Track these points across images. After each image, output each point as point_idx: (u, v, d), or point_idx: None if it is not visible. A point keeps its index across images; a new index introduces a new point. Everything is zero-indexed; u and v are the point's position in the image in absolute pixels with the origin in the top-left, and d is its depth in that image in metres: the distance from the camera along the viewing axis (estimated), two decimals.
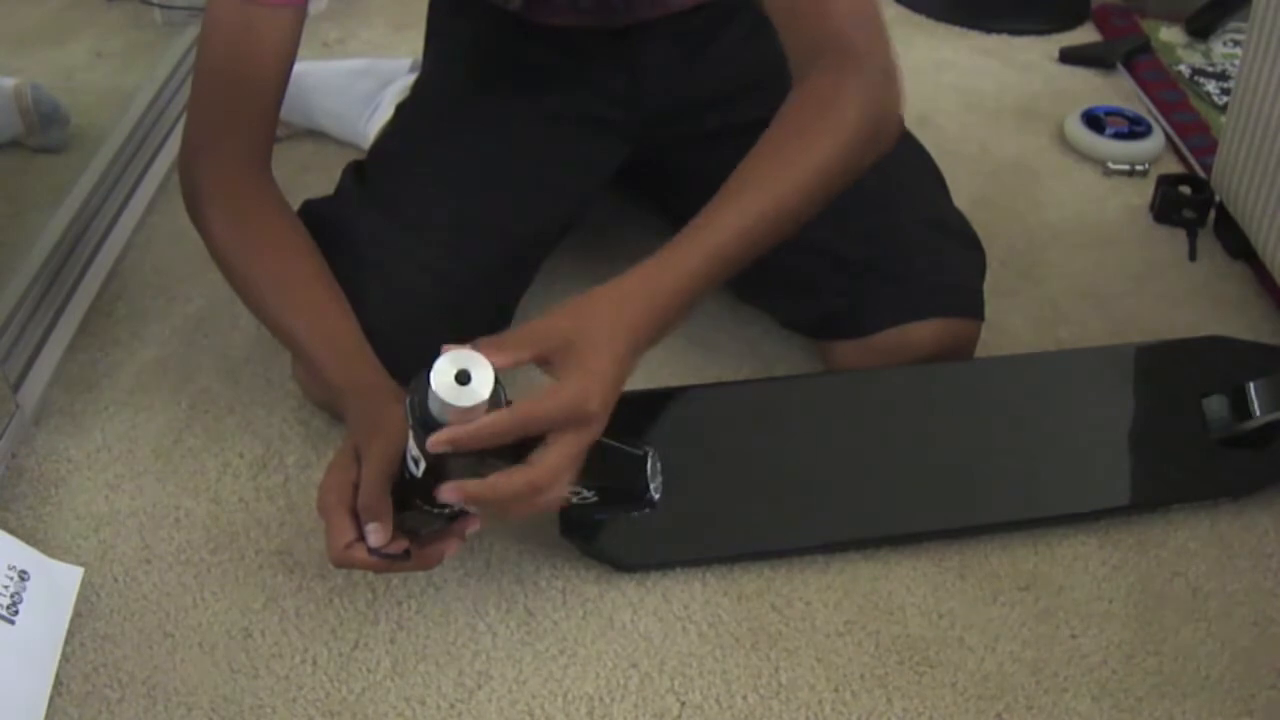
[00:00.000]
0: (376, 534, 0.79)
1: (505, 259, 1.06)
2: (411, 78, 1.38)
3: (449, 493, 0.75)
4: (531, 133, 1.11)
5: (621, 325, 0.80)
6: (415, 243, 1.01)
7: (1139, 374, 1.02)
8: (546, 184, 1.10)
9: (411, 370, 0.75)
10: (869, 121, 0.88)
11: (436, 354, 0.73)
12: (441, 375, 0.71)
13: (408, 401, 0.74)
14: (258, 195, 0.96)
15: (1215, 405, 0.99)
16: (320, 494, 0.82)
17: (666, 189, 1.20)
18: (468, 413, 0.72)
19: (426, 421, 0.73)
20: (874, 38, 0.90)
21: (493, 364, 0.73)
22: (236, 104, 0.95)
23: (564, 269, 1.16)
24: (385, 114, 1.37)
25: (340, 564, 0.81)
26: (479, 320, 1.06)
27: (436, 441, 0.72)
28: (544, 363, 0.78)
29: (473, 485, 0.75)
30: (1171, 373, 1.02)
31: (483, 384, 0.72)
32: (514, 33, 1.12)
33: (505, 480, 0.75)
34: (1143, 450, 0.99)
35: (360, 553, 0.80)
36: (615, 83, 1.13)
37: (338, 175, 1.11)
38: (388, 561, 0.81)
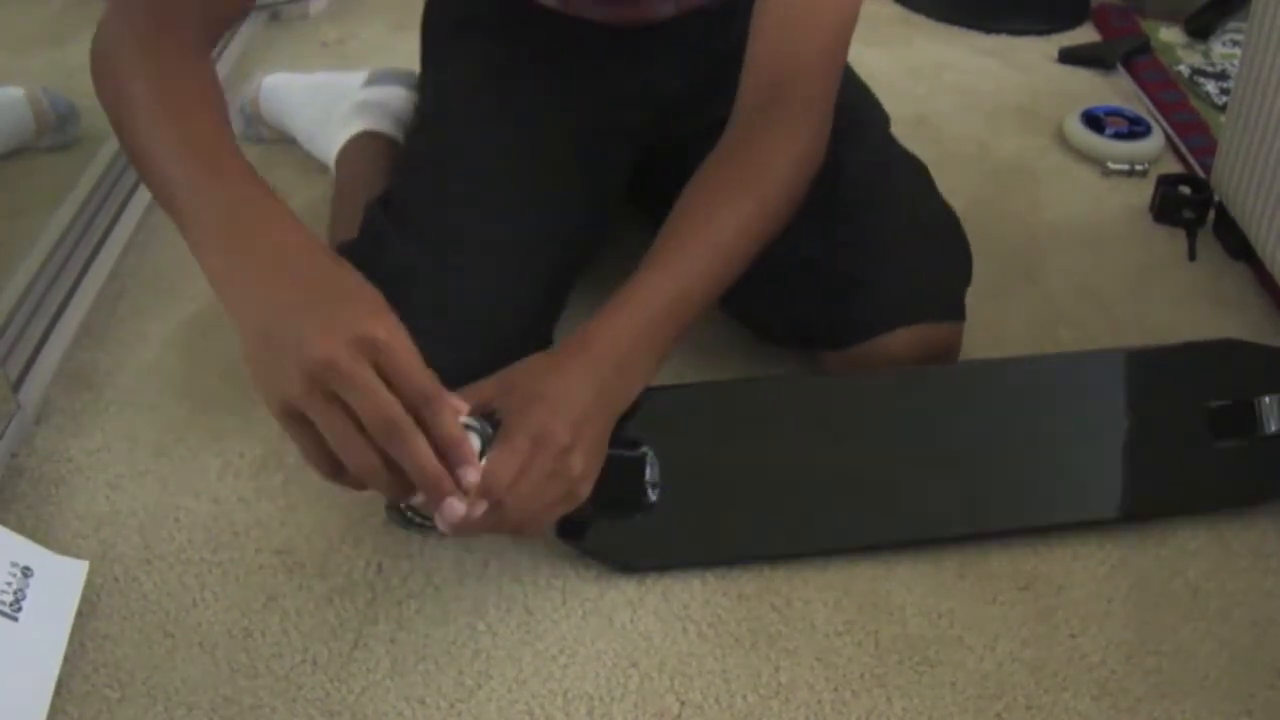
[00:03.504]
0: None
1: (546, 280, 1.03)
2: (365, 93, 1.36)
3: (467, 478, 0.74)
4: (553, 150, 1.09)
5: (579, 367, 0.83)
6: (461, 275, 0.98)
7: (1146, 378, 1.01)
8: (574, 200, 1.08)
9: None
10: (806, 173, 0.96)
11: None
12: None
13: None
14: (196, 66, 0.82)
15: (1223, 413, 0.99)
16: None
17: (674, 187, 1.20)
18: None
19: None
20: (828, 86, 0.96)
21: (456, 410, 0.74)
22: None
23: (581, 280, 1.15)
24: (337, 134, 1.33)
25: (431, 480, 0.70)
26: (528, 348, 1.05)
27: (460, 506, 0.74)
28: (505, 406, 0.80)
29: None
30: (1180, 377, 1.01)
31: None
32: (522, 52, 1.11)
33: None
34: (1147, 457, 0.98)
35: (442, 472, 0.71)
36: (629, 84, 1.12)
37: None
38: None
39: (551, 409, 0.79)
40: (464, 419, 0.75)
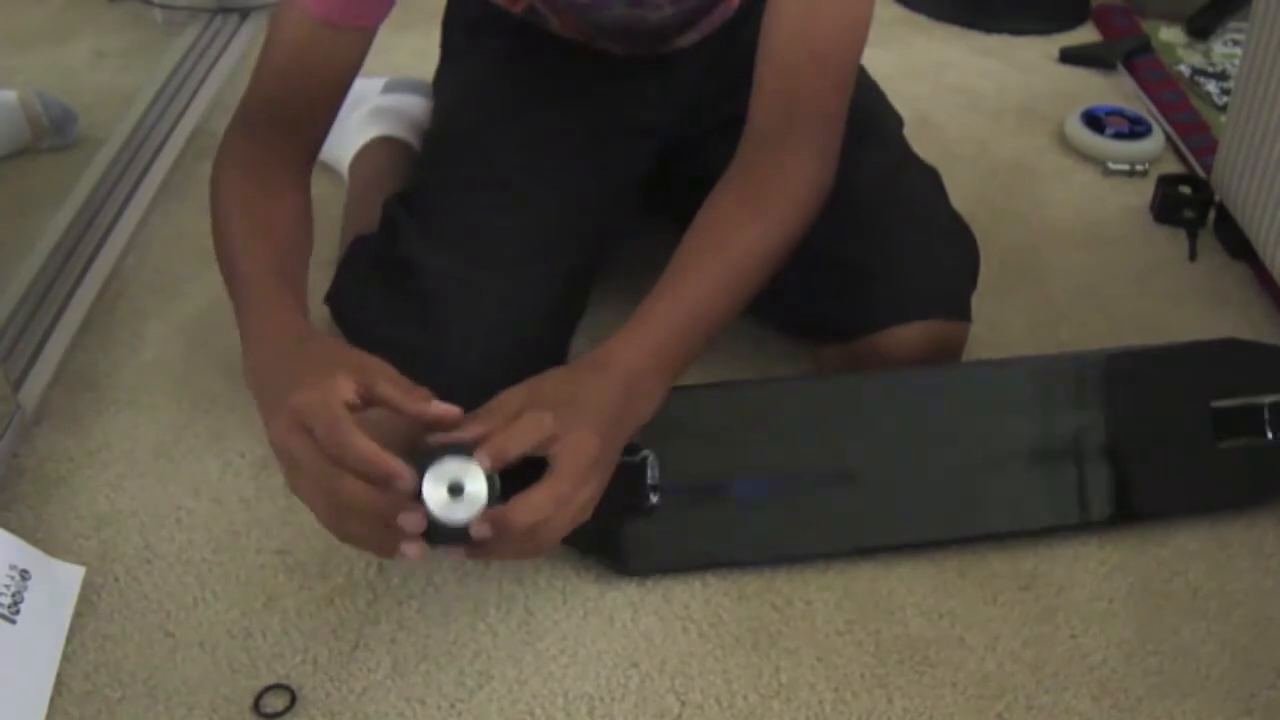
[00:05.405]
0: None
1: (565, 272, 1.03)
2: (382, 100, 1.35)
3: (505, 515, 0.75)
4: (570, 144, 1.09)
5: (600, 382, 0.82)
6: (480, 266, 0.98)
7: (1149, 378, 1.00)
8: (592, 194, 1.08)
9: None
10: (818, 194, 0.94)
11: (427, 460, 0.74)
12: (434, 494, 0.74)
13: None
14: (281, 195, 0.92)
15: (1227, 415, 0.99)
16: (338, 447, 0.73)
17: (690, 185, 1.20)
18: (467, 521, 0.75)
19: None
20: (839, 108, 0.95)
21: (485, 466, 0.74)
22: (289, 109, 0.91)
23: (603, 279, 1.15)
24: (353, 138, 1.33)
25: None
26: (551, 346, 1.04)
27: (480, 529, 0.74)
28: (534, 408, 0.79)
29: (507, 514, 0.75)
30: (1182, 377, 1.01)
31: (477, 493, 0.74)
32: (542, 49, 1.12)
33: (529, 501, 0.75)
34: (1150, 458, 0.98)
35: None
36: (646, 91, 1.13)
37: (340, 177, 1.10)
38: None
39: (582, 412, 0.78)
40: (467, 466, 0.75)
